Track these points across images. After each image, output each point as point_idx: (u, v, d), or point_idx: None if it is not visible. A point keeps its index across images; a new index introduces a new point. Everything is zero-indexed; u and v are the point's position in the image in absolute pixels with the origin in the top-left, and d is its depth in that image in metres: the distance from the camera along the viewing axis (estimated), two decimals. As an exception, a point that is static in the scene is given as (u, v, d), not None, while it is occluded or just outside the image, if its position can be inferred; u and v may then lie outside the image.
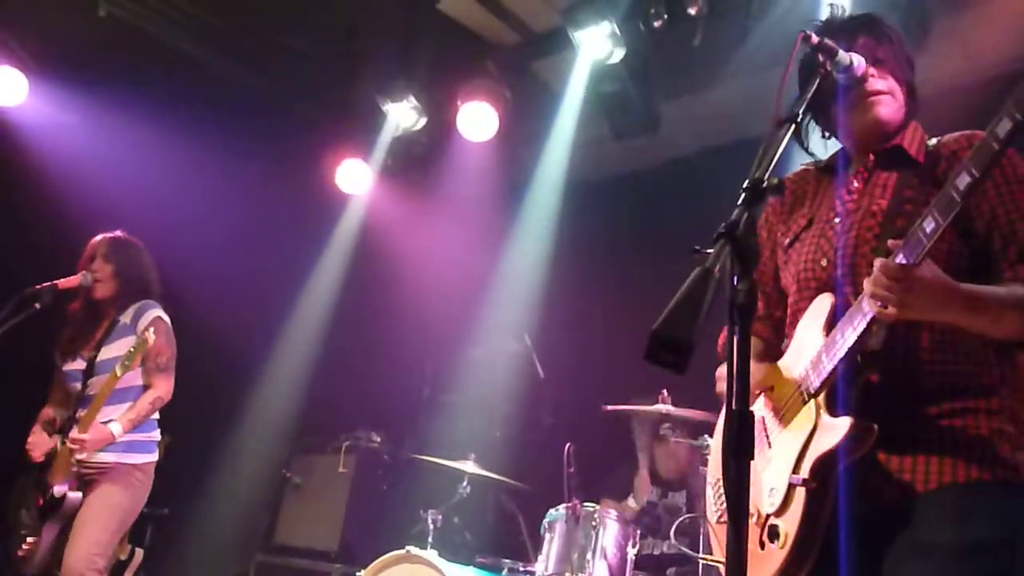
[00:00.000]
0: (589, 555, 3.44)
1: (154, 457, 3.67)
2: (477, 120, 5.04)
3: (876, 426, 1.61)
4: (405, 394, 5.68)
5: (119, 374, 3.42)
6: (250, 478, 5.63)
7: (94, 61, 4.96)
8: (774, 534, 1.69)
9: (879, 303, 1.54)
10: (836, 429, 1.63)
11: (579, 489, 3.54)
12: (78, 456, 3.42)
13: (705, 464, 3.25)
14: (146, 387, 3.61)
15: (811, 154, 1.99)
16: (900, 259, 1.53)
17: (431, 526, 3.99)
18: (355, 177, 5.59)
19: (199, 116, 5.10)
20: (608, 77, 4.71)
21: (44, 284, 3.52)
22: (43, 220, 4.85)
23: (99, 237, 3.80)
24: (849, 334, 1.63)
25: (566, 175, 5.36)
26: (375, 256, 5.93)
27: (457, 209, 5.56)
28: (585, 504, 3.56)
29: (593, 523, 3.52)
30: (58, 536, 3.46)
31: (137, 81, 5.00)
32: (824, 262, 1.81)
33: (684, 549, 3.56)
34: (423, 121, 5.33)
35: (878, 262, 1.54)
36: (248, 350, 5.88)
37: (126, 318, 3.67)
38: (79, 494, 3.48)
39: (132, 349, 3.42)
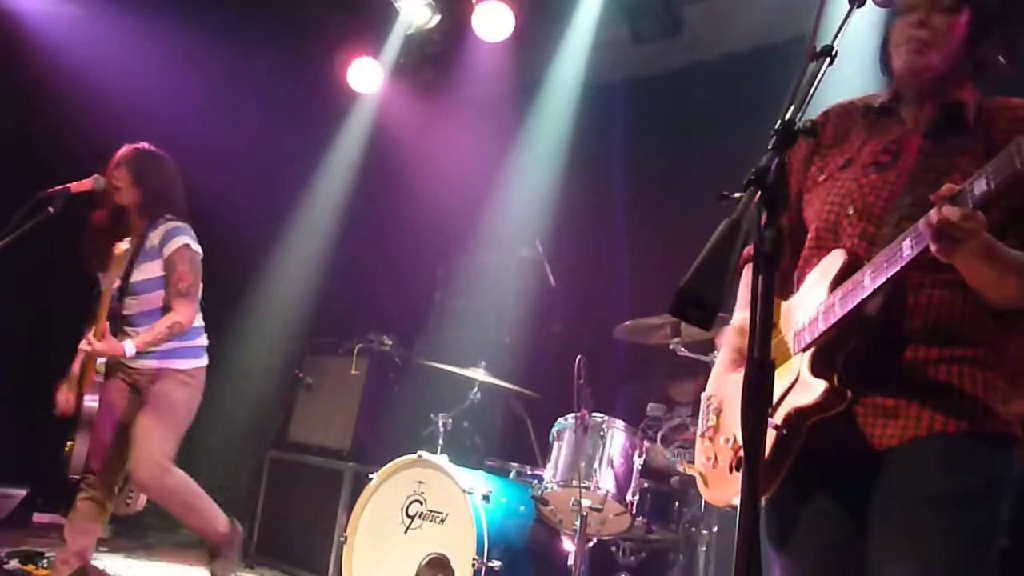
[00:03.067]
0: (596, 464, 3.52)
1: (202, 362, 3.73)
2: (492, 19, 4.91)
3: (850, 393, 1.64)
4: (416, 298, 5.72)
5: (109, 279, 3.50)
6: (263, 377, 5.74)
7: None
8: (741, 464, 1.74)
9: (937, 241, 1.51)
10: (812, 390, 1.66)
11: (588, 400, 3.59)
12: (87, 353, 3.50)
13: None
14: (166, 309, 3.63)
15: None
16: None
17: (441, 429, 4.09)
18: (366, 75, 5.47)
19: (204, 10, 4.96)
20: (629, -24, 4.55)
21: (57, 187, 3.48)
22: (45, 117, 4.79)
23: (125, 147, 3.77)
24: (868, 284, 1.62)
25: (582, 78, 5.24)
26: (386, 156, 5.87)
27: (470, 111, 5.46)
28: (593, 414, 3.62)
29: (601, 433, 3.59)
30: (90, 441, 3.57)
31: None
32: (851, 210, 1.78)
33: (668, 459, 3.65)
34: (437, 19, 5.18)
35: (947, 208, 1.49)
36: (258, 249, 5.90)
37: (154, 239, 3.65)
38: (94, 403, 3.56)
39: (116, 257, 3.46)
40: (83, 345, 3.49)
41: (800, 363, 1.72)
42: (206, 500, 3.65)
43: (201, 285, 3.73)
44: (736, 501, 1.54)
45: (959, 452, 1.62)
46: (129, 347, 3.51)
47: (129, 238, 3.55)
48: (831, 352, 1.69)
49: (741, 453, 1.73)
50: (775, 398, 1.72)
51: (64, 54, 4.98)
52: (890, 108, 1.87)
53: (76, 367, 3.64)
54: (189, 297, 3.64)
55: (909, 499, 1.61)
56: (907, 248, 1.57)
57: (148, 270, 3.62)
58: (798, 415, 1.68)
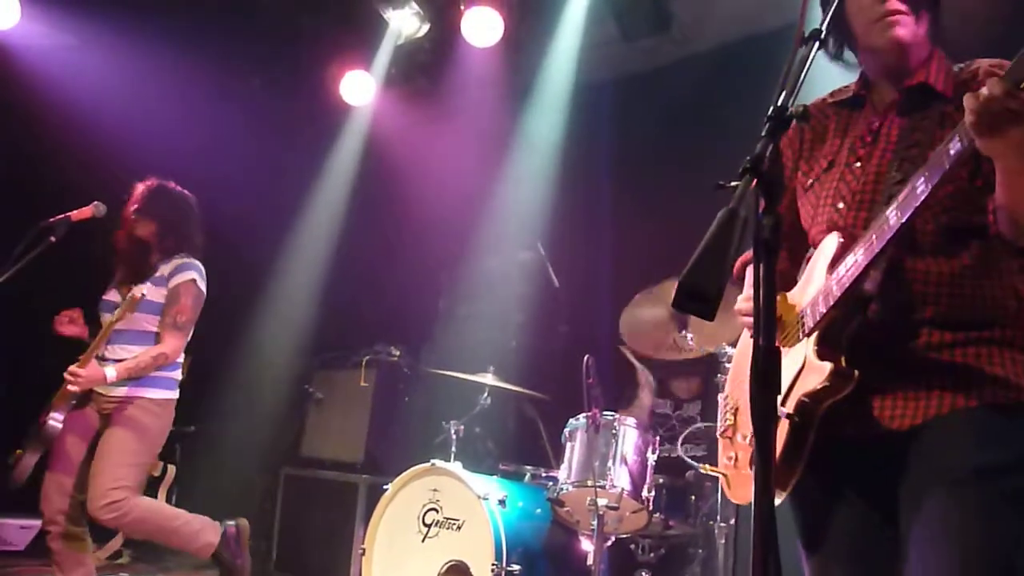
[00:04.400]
0: (610, 462, 3.52)
1: (172, 394, 3.68)
2: (482, 25, 4.90)
3: (857, 372, 1.62)
4: (421, 306, 5.72)
5: (114, 318, 3.48)
6: (272, 393, 5.75)
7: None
8: None
9: (979, 126, 1.41)
10: (819, 372, 1.64)
11: (598, 399, 3.59)
12: (71, 388, 3.44)
13: (724, 373, 3.28)
14: (157, 338, 3.61)
15: (844, 61, 1.87)
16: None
17: (453, 436, 4.09)
18: (359, 88, 5.48)
19: (196, 31, 4.97)
20: (616, -26, 4.55)
21: (58, 216, 3.49)
22: (43, 146, 4.80)
23: (144, 182, 3.82)
24: (861, 260, 1.60)
25: (575, 78, 5.25)
26: (382, 167, 5.88)
27: (464, 117, 5.46)
28: (604, 412, 3.62)
29: (613, 431, 3.58)
30: (40, 460, 3.49)
31: (132, -3, 4.86)
32: (841, 205, 1.77)
33: (687, 458, 3.64)
34: (426, 28, 5.19)
35: (991, 82, 1.40)
36: (261, 267, 5.91)
37: (165, 270, 3.68)
38: (57, 426, 3.47)
39: (127, 300, 3.48)
40: (68, 377, 3.43)
41: (806, 348, 1.71)
42: (182, 518, 3.58)
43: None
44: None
45: (986, 425, 1.57)
46: (110, 372, 3.47)
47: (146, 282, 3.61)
48: (835, 333, 1.67)
49: None
50: (785, 387, 1.70)
51: (60, 83, 5.00)
52: (861, 96, 1.86)
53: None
54: (182, 332, 3.64)
55: (938, 477, 1.57)
56: (892, 218, 1.55)
57: (150, 293, 3.62)
58: (809, 400, 1.66)
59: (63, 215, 3.52)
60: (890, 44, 1.74)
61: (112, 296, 3.70)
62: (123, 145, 4.82)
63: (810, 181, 1.88)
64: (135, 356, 3.54)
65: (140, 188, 3.80)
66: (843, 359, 1.64)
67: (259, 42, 5.19)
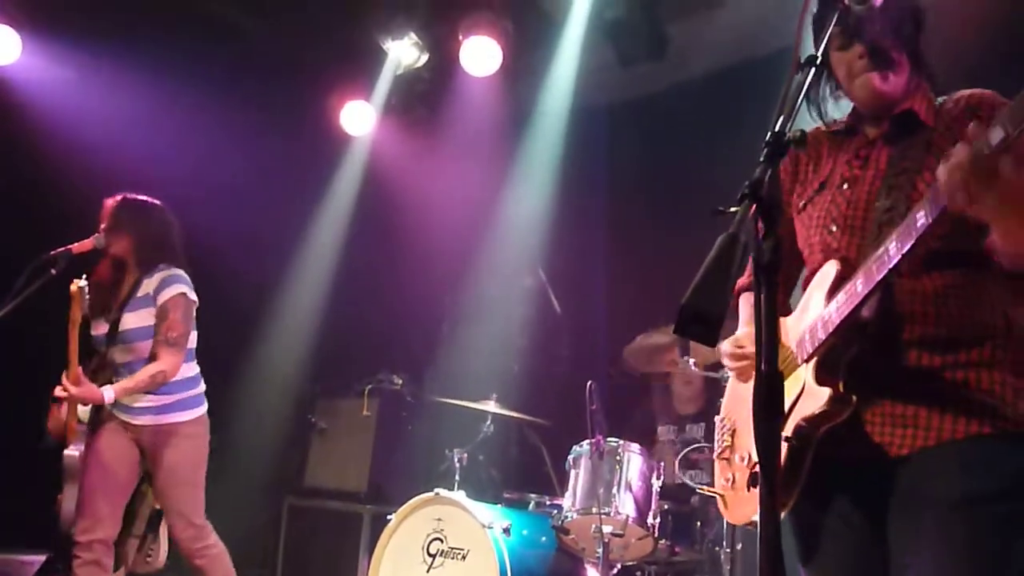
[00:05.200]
0: (615, 489, 3.50)
1: (199, 411, 3.64)
2: (480, 54, 4.95)
3: (855, 397, 1.64)
4: (423, 334, 5.72)
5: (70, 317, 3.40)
6: (274, 423, 5.72)
7: (86, 13, 4.85)
8: (757, 480, 1.73)
9: (958, 192, 1.41)
10: (817, 397, 1.66)
11: (601, 425, 3.58)
12: (58, 394, 3.39)
13: (721, 397, 3.27)
14: (152, 357, 3.53)
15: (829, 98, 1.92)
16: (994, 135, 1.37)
17: (457, 465, 4.07)
18: (359, 118, 5.52)
19: (196, 64, 5.01)
20: (611, 1, 4.60)
21: (59, 249, 3.48)
22: (43, 180, 4.82)
23: (112, 198, 3.70)
24: (860, 290, 1.61)
25: (573, 104, 5.28)
26: (383, 196, 5.89)
27: (463, 145, 5.49)
28: (608, 439, 3.60)
29: (617, 457, 3.57)
30: (78, 495, 3.48)
31: (131, 31, 4.89)
32: (834, 228, 1.80)
33: (686, 480, 3.63)
34: (425, 58, 5.23)
35: (956, 149, 1.41)
36: (262, 296, 5.90)
37: (149, 286, 3.57)
38: (74, 453, 3.46)
39: (71, 294, 3.37)
40: (58, 391, 3.38)
41: (805, 374, 1.72)
42: None
43: (195, 334, 3.66)
44: (755, 518, 1.53)
45: (978, 454, 1.60)
46: (108, 393, 3.39)
47: (83, 276, 3.43)
48: (834, 359, 1.69)
49: (756, 469, 1.73)
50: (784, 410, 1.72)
51: (61, 116, 5.03)
52: (853, 128, 1.90)
53: (60, 412, 3.53)
54: (177, 347, 3.52)
55: (930, 504, 1.59)
56: (892, 250, 1.55)
57: (140, 318, 3.53)
58: (807, 424, 1.68)
59: (64, 248, 3.50)
60: (869, 97, 1.80)
61: (101, 328, 3.60)
62: (124, 177, 4.79)
63: (803, 203, 1.92)
64: (133, 375, 3.48)
65: (108, 204, 3.67)
66: (841, 385, 1.66)
67: (260, 72, 5.22)
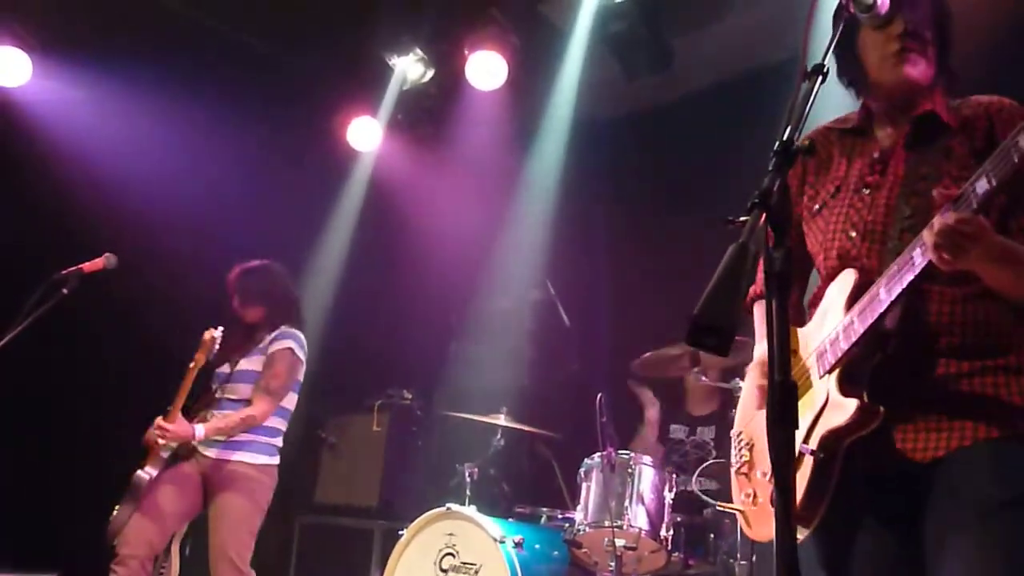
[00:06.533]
0: (627, 502, 3.48)
1: (270, 459, 3.76)
2: (486, 69, 4.96)
3: (882, 408, 1.62)
4: (432, 348, 5.71)
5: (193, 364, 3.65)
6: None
7: (95, 34, 4.90)
8: None
9: (939, 251, 1.50)
10: (844, 409, 1.64)
11: (612, 437, 3.56)
12: (160, 442, 3.53)
13: (735, 407, 3.26)
14: (249, 402, 3.70)
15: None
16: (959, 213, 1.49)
17: (468, 479, 4.06)
18: (365, 134, 5.53)
19: (204, 82, 5.04)
20: (616, 15, 4.61)
21: (70, 269, 3.51)
22: (53, 200, 4.84)
23: (236, 270, 3.96)
24: (884, 297, 1.61)
25: (578, 117, 5.29)
26: (389, 212, 5.90)
27: (470, 159, 5.50)
28: (619, 452, 3.59)
29: (629, 470, 3.55)
30: (133, 514, 3.54)
31: (140, 49, 4.93)
32: (853, 233, 1.78)
33: (703, 496, 3.60)
34: (431, 73, 5.25)
35: (942, 216, 1.49)
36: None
37: (267, 338, 3.82)
38: (145, 476, 3.56)
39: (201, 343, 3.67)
40: (155, 432, 3.52)
41: (828, 385, 1.70)
42: None
43: (295, 397, 3.85)
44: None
45: (1008, 456, 1.59)
46: (199, 430, 3.56)
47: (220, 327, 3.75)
48: (857, 369, 1.67)
49: None
50: (806, 425, 1.71)
51: (71, 137, 5.06)
52: (863, 128, 1.89)
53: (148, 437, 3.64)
54: (273, 396, 3.71)
55: (964, 509, 1.57)
56: (917, 257, 1.56)
57: (251, 363, 3.76)
58: (834, 437, 1.65)
59: (75, 267, 3.54)
60: (900, 80, 1.78)
61: (224, 368, 3.81)
62: (133, 195, 4.86)
63: (817, 206, 1.89)
64: (225, 416, 3.63)
65: (232, 278, 3.92)
66: (866, 394, 1.64)
67: (267, 89, 5.25)
